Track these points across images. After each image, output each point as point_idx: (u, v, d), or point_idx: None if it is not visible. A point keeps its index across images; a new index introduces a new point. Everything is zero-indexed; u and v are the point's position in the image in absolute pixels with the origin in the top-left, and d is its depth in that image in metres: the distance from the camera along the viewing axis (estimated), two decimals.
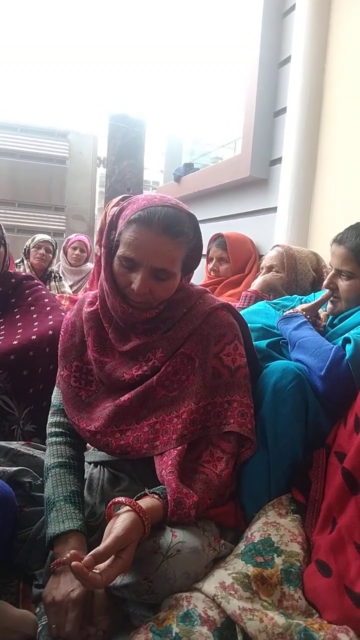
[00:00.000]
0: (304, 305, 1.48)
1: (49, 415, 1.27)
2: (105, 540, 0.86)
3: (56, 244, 3.78)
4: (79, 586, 0.90)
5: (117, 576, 0.88)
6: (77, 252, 4.05)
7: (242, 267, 2.55)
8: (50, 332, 1.67)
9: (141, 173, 5.07)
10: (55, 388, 1.28)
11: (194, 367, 1.14)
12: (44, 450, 1.24)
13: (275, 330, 1.45)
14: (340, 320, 1.39)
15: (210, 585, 0.88)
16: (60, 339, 1.28)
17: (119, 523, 0.88)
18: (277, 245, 2.09)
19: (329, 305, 1.44)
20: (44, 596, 0.93)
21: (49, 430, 1.23)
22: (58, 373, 1.26)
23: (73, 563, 0.81)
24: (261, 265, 2.14)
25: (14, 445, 1.30)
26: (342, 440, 1.08)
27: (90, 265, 4.11)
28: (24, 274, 2.01)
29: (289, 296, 1.75)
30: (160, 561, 0.90)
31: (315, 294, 1.62)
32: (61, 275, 3.86)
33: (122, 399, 1.15)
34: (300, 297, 1.67)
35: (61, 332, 1.28)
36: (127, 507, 0.91)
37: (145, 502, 0.95)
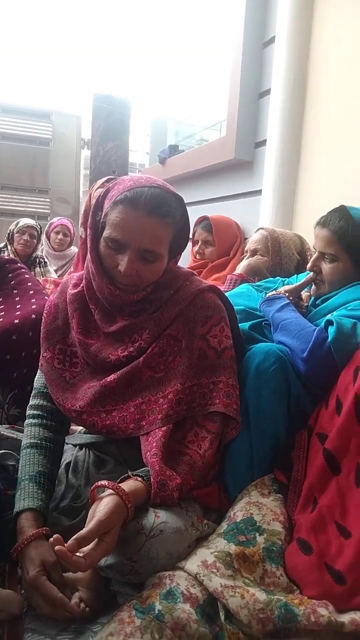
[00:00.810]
0: (287, 287, 1.48)
1: (30, 398, 1.27)
2: (89, 524, 0.86)
3: (41, 228, 3.72)
4: (36, 565, 0.93)
5: (101, 559, 0.89)
6: (60, 236, 3.99)
7: (228, 250, 2.55)
8: (34, 315, 1.66)
9: (126, 155, 5.00)
10: (38, 371, 1.28)
11: (180, 348, 1.14)
12: None
13: (258, 312, 1.45)
14: (323, 301, 1.39)
15: (192, 563, 0.90)
16: (43, 321, 1.27)
17: (102, 507, 0.88)
18: (261, 228, 2.09)
19: (313, 287, 1.45)
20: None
21: (27, 412, 1.24)
22: (41, 355, 1.25)
23: (56, 547, 0.82)
24: (245, 249, 2.14)
25: None
26: (323, 422, 1.10)
27: (74, 249, 4.05)
28: (6, 257, 1.99)
29: (271, 278, 1.76)
30: (144, 541, 0.91)
31: (298, 276, 1.63)
32: (46, 260, 3.81)
33: (107, 379, 1.15)
34: (283, 279, 1.68)
35: (44, 314, 1.27)
36: (110, 491, 0.91)
37: (128, 485, 0.95)
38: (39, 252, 3.81)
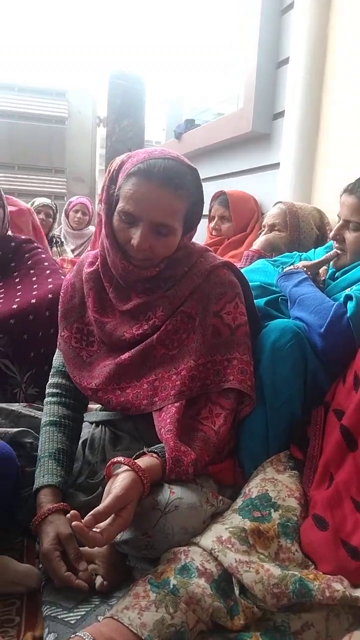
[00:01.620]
0: (306, 263, 1.45)
1: (50, 376, 1.27)
2: (105, 499, 0.87)
3: (56, 207, 3.72)
4: (51, 539, 0.96)
5: (118, 534, 0.90)
6: (78, 215, 3.99)
7: (245, 226, 2.51)
8: (50, 295, 1.66)
9: (142, 132, 4.94)
10: (57, 350, 1.28)
11: (194, 326, 1.13)
12: None
13: (274, 288, 1.43)
14: (343, 273, 1.36)
15: (207, 539, 0.90)
16: (60, 300, 1.27)
17: (118, 482, 0.89)
18: (280, 202, 2.04)
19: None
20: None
21: (47, 390, 1.25)
22: (59, 334, 1.26)
23: (74, 523, 0.83)
24: (263, 224, 2.10)
25: (15, 407, 1.32)
26: (340, 398, 1.08)
27: (92, 229, 4.05)
28: (23, 237, 1.98)
29: (288, 253, 1.72)
30: (159, 517, 0.91)
31: (316, 250, 1.59)
32: (63, 240, 3.82)
33: (122, 357, 1.15)
34: (300, 253, 1.64)
35: (61, 293, 1.28)
36: (126, 467, 0.92)
37: (143, 461, 0.96)
38: (55, 232, 3.81)
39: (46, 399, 1.23)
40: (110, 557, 0.98)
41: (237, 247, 2.43)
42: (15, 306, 1.62)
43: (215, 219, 2.56)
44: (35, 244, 1.93)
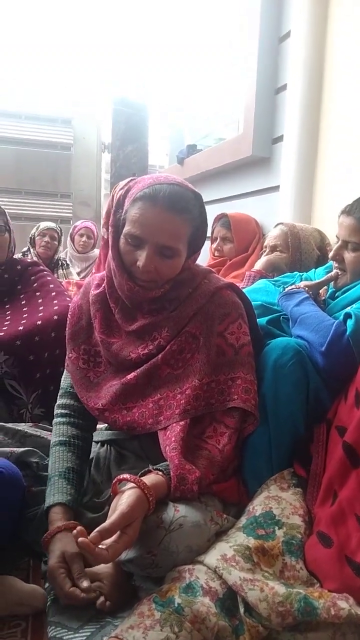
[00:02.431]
0: (307, 283, 1.47)
1: (58, 397, 1.29)
2: (111, 516, 0.88)
3: (61, 230, 3.78)
4: (57, 556, 0.96)
5: (123, 551, 0.90)
6: (84, 238, 4.05)
7: (246, 246, 2.54)
8: (56, 317, 1.69)
9: (146, 157, 5.04)
10: (65, 371, 1.30)
11: (199, 346, 1.15)
12: (51, 431, 1.27)
13: (276, 307, 1.45)
14: (342, 293, 1.38)
15: (212, 557, 0.90)
16: (68, 322, 1.29)
17: (124, 499, 0.90)
18: (281, 224, 2.07)
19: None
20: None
21: (55, 411, 1.26)
22: (67, 356, 1.28)
23: (79, 539, 0.84)
24: (265, 244, 2.13)
25: (22, 426, 1.33)
26: (342, 415, 1.09)
27: (96, 252, 4.11)
28: (29, 260, 2.02)
29: (289, 273, 1.75)
30: (164, 535, 0.91)
31: (316, 270, 1.62)
32: (68, 262, 3.87)
33: (128, 377, 1.17)
34: (301, 273, 1.66)
35: (68, 315, 1.30)
36: (132, 484, 0.93)
37: (149, 479, 0.96)
38: (61, 255, 3.87)
39: (55, 420, 1.25)
40: (115, 576, 0.98)
41: (239, 268, 2.46)
42: (21, 328, 1.65)
43: (218, 240, 2.60)
44: (41, 267, 1.97)
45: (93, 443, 1.32)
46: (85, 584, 0.94)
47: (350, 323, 1.17)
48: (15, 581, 0.99)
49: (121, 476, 0.95)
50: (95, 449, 1.30)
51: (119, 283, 1.16)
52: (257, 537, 0.93)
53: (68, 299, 1.80)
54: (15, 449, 1.20)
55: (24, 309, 1.78)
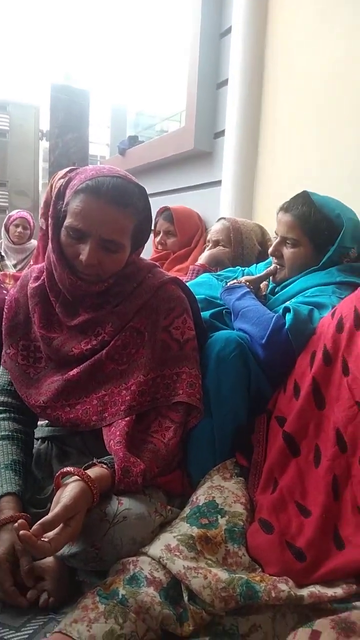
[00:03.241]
0: (248, 277, 1.50)
1: None
2: (54, 509, 0.86)
3: None
4: (4, 548, 0.94)
5: (66, 544, 0.89)
6: (19, 229, 3.89)
7: (189, 240, 2.56)
8: None
9: (86, 146, 4.95)
10: (1, 368, 1.26)
11: (143, 341, 1.15)
12: None
13: (218, 301, 1.47)
14: (282, 288, 1.42)
15: (156, 548, 0.91)
16: (4, 317, 1.25)
17: (68, 492, 0.89)
18: (223, 218, 2.10)
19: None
20: None
21: None
22: (4, 352, 1.24)
23: (21, 532, 0.82)
24: (207, 239, 2.15)
25: None
26: (282, 406, 1.13)
27: (34, 243, 3.97)
28: None
29: (232, 268, 1.78)
30: (107, 528, 0.91)
31: (258, 265, 1.65)
32: (3, 254, 3.72)
33: (70, 373, 1.14)
34: (243, 268, 1.70)
35: (5, 309, 1.25)
36: (76, 477, 0.92)
37: (93, 472, 0.96)
38: None
39: None
40: (59, 572, 0.96)
41: (182, 262, 2.48)
42: None
43: (161, 234, 2.60)
44: None
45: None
46: (30, 584, 0.92)
47: (289, 317, 1.21)
48: None
49: (65, 469, 0.94)
50: (35, 445, 1.27)
51: (59, 276, 1.14)
52: (201, 526, 0.94)
53: (4, 292, 1.74)
54: None
55: None
